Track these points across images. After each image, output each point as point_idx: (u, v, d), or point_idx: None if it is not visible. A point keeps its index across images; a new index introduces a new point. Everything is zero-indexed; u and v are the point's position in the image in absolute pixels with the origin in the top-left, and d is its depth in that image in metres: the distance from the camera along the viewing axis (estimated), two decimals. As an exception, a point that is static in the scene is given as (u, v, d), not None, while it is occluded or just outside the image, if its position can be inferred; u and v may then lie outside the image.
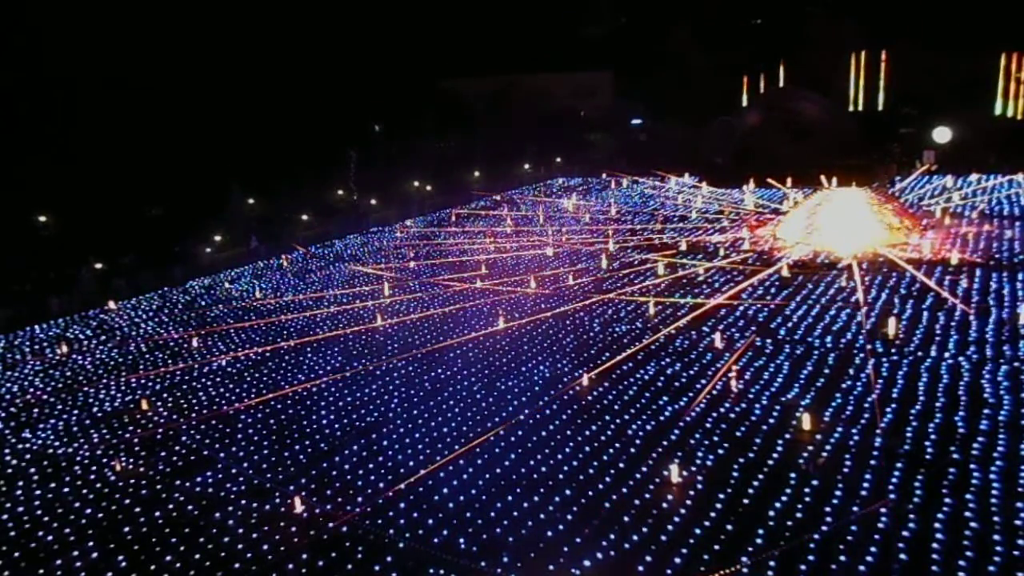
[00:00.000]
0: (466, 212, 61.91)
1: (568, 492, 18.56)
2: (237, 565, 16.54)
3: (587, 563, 15.80)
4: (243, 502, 19.09)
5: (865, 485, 17.87)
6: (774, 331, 29.08)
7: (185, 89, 54.67)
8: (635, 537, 16.58)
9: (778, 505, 17.35)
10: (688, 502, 17.75)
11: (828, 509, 17.05)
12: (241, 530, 17.82)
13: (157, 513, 18.78)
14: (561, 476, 19.36)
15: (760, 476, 18.66)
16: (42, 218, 46.67)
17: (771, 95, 75.35)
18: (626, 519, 17.26)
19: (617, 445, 20.77)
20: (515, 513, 17.81)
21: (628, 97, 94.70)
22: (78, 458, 22.07)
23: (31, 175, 45.77)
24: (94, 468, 21.38)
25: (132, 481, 20.47)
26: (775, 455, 19.64)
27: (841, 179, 47.91)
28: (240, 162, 55.68)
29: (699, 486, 18.39)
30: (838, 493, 17.66)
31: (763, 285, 35.46)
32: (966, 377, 23.68)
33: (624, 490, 18.48)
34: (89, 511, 19.10)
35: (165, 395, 26.59)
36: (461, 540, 16.85)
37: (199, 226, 50.22)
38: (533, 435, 21.63)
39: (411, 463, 20.50)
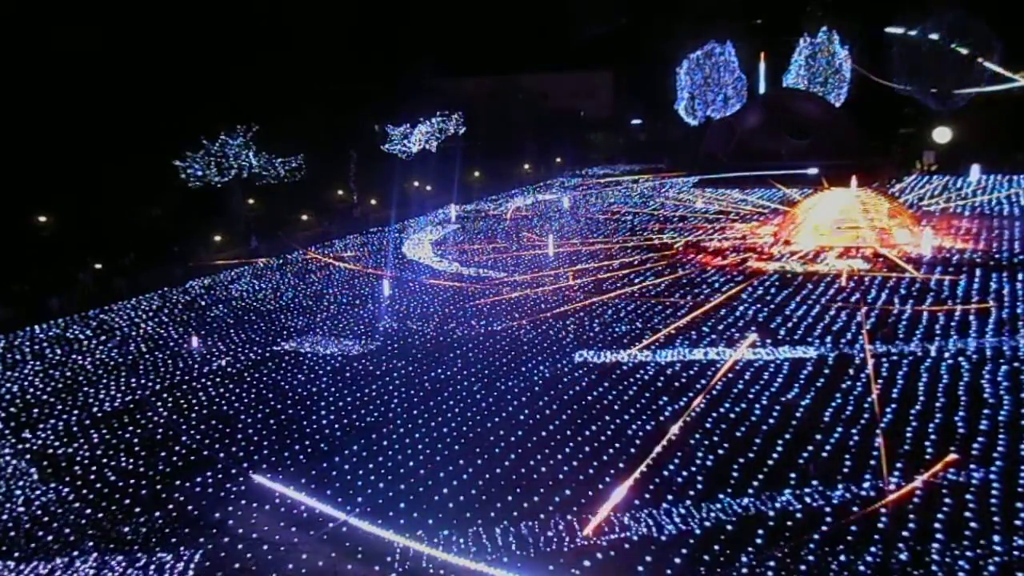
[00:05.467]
0: (465, 212, 61.97)
1: (568, 492, 18.56)
2: (237, 565, 16.54)
3: (587, 563, 15.80)
4: (243, 502, 19.09)
5: (865, 485, 17.88)
6: (774, 331, 29.08)
7: (181, 87, 54.69)
8: (635, 537, 16.58)
9: (778, 505, 17.36)
10: (688, 502, 17.75)
11: (828, 509, 17.07)
12: (241, 530, 17.83)
13: (157, 513, 18.78)
14: (561, 476, 19.36)
15: (760, 476, 18.67)
16: (42, 218, 46.69)
17: (771, 95, 75.31)
18: (626, 519, 17.26)
19: (617, 445, 20.77)
20: (515, 513, 17.81)
21: (628, 97, 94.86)
22: (78, 458, 22.07)
23: (29, 174, 45.77)
24: (94, 468, 21.38)
25: (132, 481, 20.49)
26: (775, 455, 19.64)
27: (841, 179, 47.88)
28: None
29: (699, 486, 18.39)
30: (838, 493, 17.67)
31: (763, 285, 35.46)
32: (966, 377, 23.68)
33: (623, 490, 18.44)
34: (89, 511, 19.11)
35: (165, 395, 26.60)
36: (461, 540, 16.85)
37: (199, 226, 50.35)
38: (533, 435, 21.63)
39: (411, 463, 20.51)
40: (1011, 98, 63.95)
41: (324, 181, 63.12)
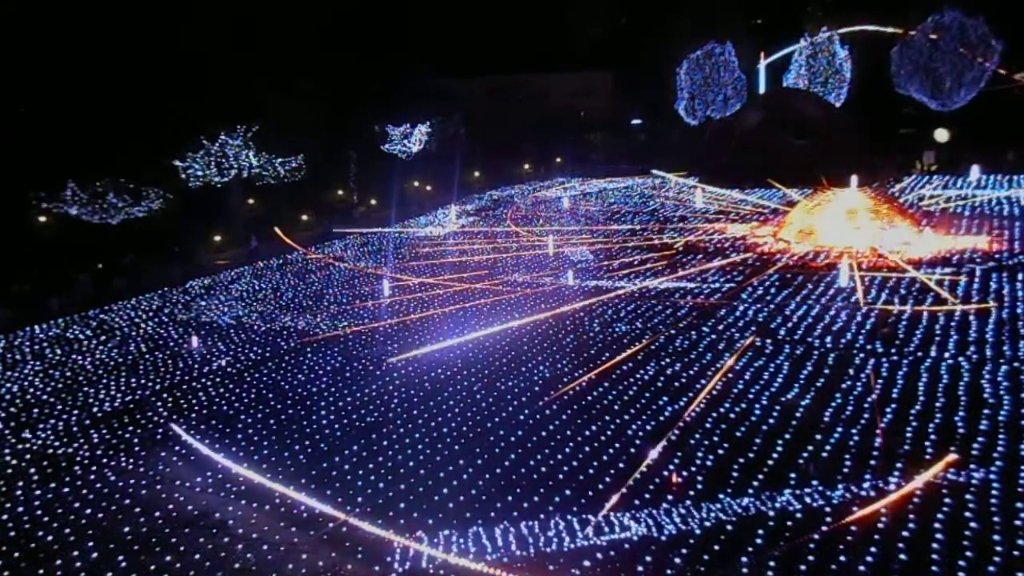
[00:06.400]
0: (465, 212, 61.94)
1: (568, 492, 18.57)
2: (237, 565, 16.55)
3: (587, 563, 15.80)
4: (243, 502, 19.10)
5: (865, 485, 17.89)
6: (774, 331, 29.09)
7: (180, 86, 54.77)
8: (635, 537, 16.59)
9: (778, 505, 17.36)
10: (688, 502, 17.76)
11: (828, 509, 17.07)
12: (241, 530, 17.84)
13: (157, 513, 18.80)
14: (561, 476, 19.37)
15: (760, 476, 18.67)
16: (42, 218, 46.72)
17: (771, 95, 75.24)
18: (626, 519, 17.26)
19: (617, 445, 20.78)
20: (515, 513, 17.82)
21: (628, 97, 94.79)
22: (78, 458, 22.08)
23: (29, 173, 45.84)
24: (94, 468, 21.40)
25: (132, 481, 20.51)
26: (775, 455, 19.64)
27: (841, 179, 47.94)
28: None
29: (699, 486, 18.40)
30: (838, 493, 17.68)
31: (763, 285, 35.46)
32: (966, 377, 23.68)
33: (624, 490, 18.48)
34: (89, 511, 19.12)
35: (165, 395, 26.61)
36: (461, 540, 16.86)
37: (199, 226, 50.38)
38: (533, 435, 21.64)
39: (411, 463, 20.52)
40: (1000, 99, 63.92)
41: (324, 181, 63.14)
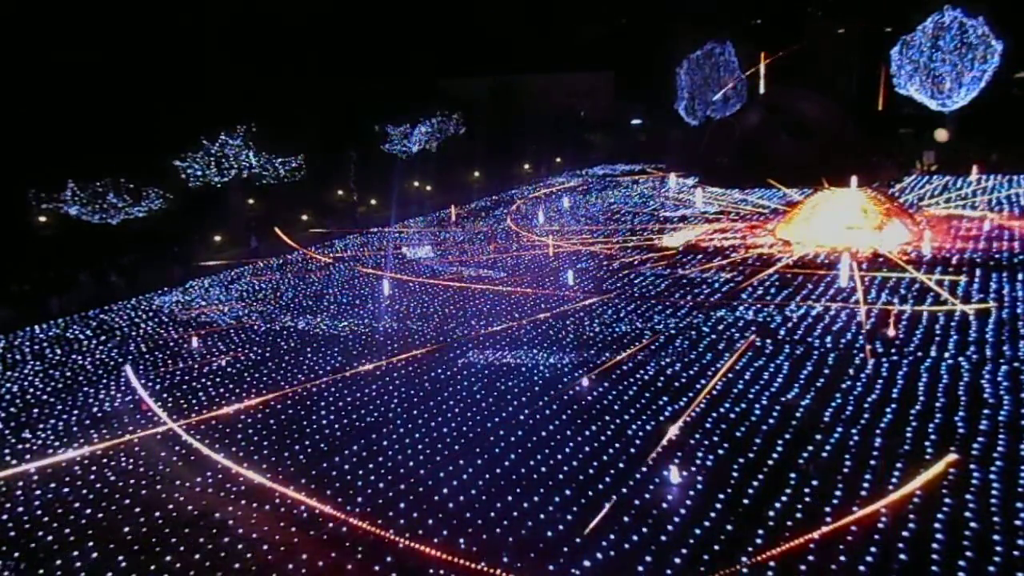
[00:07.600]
0: (466, 212, 61.92)
1: (568, 492, 18.57)
2: (237, 565, 16.55)
3: (587, 563, 15.80)
4: (243, 502, 19.10)
5: (865, 485, 17.88)
6: (774, 331, 29.08)
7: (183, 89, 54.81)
8: (635, 537, 16.59)
9: (778, 505, 17.36)
10: (688, 502, 17.76)
11: (828, 509, 17.06)
12: (241, 530, 17.84)
13: (157, 513, 18.80)
14: (561, 476, 19.37)
15: (760, 476, 18.67)
16: (42, 218, 46.71)
17: (771, 95, 75.22)
18: (626, 519, 17.26)
19: (617, 445, 20.77)
20: (515, 513, 17.82)
21: (628, 97, 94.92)
22: (78, 458, 22.08)
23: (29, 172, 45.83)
24: (94, 468, 21.39)
25: (132, 481, 20.52)
26: (775, 455, 19.64)
27: (841, 179, 47.96)
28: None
29: (699, 486, 18.39)
30: (838, 493, 17.67)
31: (763, 285, 35.45)
32: (966, 377, 23.67)
33: (624, 490, 18.48)
34: (89, 511, 19.12)
35: (165, 395, 26.60)
36: (461, 540, 16.85)
37: (199, 226, 50.37)
38: (533, 435, 21.63)
39: (411, 463, 20.52)
40: (991, 100, 63.93)
41: (324, 181, 63.11)
